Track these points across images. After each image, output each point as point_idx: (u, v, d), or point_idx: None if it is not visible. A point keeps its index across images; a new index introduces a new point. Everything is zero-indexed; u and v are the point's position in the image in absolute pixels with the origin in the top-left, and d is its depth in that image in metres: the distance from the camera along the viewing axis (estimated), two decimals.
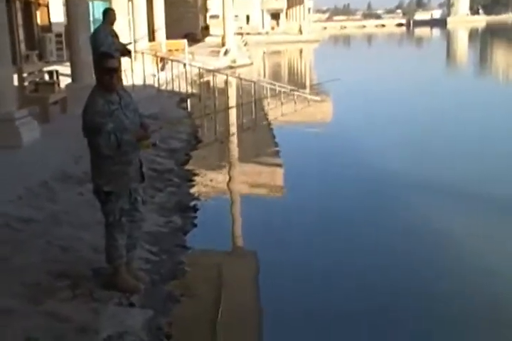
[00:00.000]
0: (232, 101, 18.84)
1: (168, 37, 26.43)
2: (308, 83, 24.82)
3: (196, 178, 9.66)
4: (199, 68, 20.48)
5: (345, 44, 61.80)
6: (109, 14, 11.90)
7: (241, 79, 18.67)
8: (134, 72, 17.43)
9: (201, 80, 21.32)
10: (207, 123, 14.78)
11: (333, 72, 23.87)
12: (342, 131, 13.83)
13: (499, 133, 13.06)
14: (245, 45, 43.06)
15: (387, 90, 21.07)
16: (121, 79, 11.26)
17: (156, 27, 25.57)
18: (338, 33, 76.49)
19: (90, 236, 6.06)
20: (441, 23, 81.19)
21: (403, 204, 8.44)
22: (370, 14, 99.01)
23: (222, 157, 12.07)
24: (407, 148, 12.00)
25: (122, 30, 20.38)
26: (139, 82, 17.30)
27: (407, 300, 5.58)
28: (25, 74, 12.22)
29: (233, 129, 14.43)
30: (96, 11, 22.55)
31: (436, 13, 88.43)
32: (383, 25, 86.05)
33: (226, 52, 31.83)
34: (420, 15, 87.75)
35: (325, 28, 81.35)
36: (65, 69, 16.70)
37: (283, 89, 17.78)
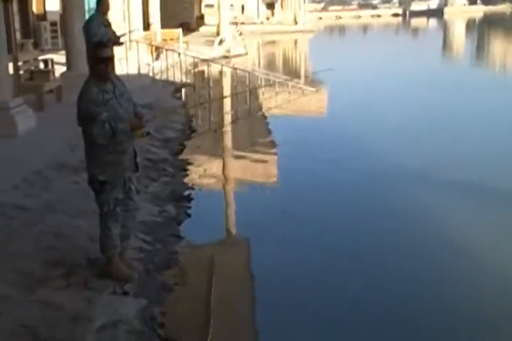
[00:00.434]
0: (227, 91, 18.80)
1: (163, 26, 26.32)
2: (303, 73, 24.78)
3: (190, 168, 9.69)
4: (194, 58, 20.43)
5: (341, 34, 61.66)
6: (102, 3, 11.84)
7: (236, 69, 18.63)
8: (128, 61, 17.38)
9: (196, 70, 21.29)
10: (201, 112, 14.78)
11: (328, 62, 23.84)
12: (336, 121, 13.87)
13: (487, 122, 13.13)
14: (240, 34, 42.89)
15: (382, 80, 21.06)
16: (114, 69, 11.24)
17: (150, 18, 25.43)
18: (334, 23, 76.21)
19: (85, 224, 6.09)
20: (438, 13, 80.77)
21: (398, 192, 8.52)
22: (365, 4, 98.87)
23: (216, 147, 12.08)
24: (400, 137, 12.04)
25: (117, 19, 20.34)
26: (133, 71, 17.26)
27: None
28: (20, 63, 12.20)
29: (227, 119, 14.43)
30: None
31: (433, 4, 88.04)
32: (379, 16, 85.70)
33: (221, 42, 31.70)
34: (417, 6, 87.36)
35: (320, 18, 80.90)
36: (60, 57, 16.65)
37: (278, 80, 17.76)
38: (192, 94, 17.41)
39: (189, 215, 7.47)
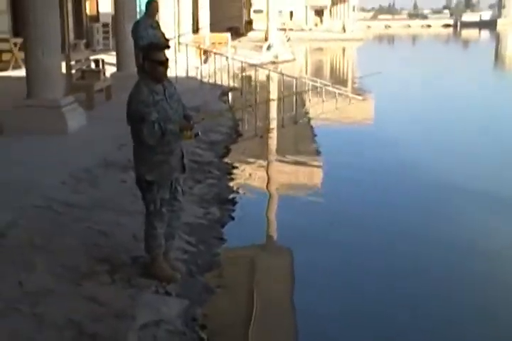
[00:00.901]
0: (274, 96, 18.84)
1: (211, 30, 26.53)
2: (350, 81, 24.65)
3: (235, 172, 9.71)
4: (241, 62, 20.50)
5: (390, 44, 61.27)
6: (151, 6, 11.99)
7: (283, 74, 18.61)
8: (177, 64, 17.53)
9: (243, 74, 21.35)
10: (247, 117, 14.81)
11: (376, 71, 23.69)
12: (384, 132, 13.70)
13: None
14: (288, 40, 42.98)
15: (432, 92, 20.83)
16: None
17: (200, 22, 25.67)
18: (383, 32, 75.76)
19: (131, 223, 6.15)
20: (490, 24, 79.35)
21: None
22: (415, 14, 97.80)
23: (261, 152, 12.09)
24: (450, 150, 11.84)
25: (168, 22, 20.57)
26: (182, 73, 17.40)
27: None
28: (72, 62, 12.40)
29: (273, 124, 14.43)
30: (143, 1, 22.75)
31: (486, 15, 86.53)
32: (429, 26, 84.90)
33: (269, 47, 31.81)
34: (468, 17, 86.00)
35: (369, 26, 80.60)
36: (110, 58, 16.91)
37: (325, 87, 17.71)
38: (239, 98, 17.46)
39: (233, 218, 7.48)
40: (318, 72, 29.30)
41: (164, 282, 5.22)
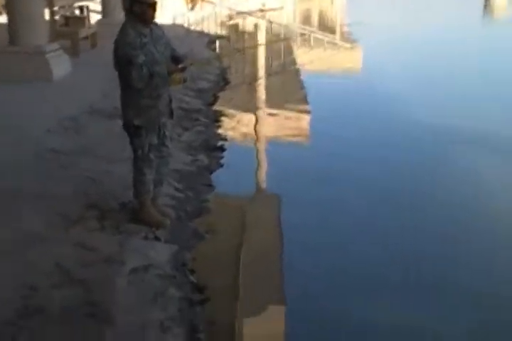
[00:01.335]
0: (262, 44, 18.61)
1: None
2: (338, 30, 24.35)
3: (223, 119, 9.65)
4: (229, 10, 20.18)
5: None
6: None
7: (271, 22, 18.38)
8: (164, 10, 17.22)
9: (231, 22, 21.04)
10: (235, 65, 14.65)
11: (365, 19, 23.40)
12: (371, 80, 13.59)
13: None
14: None
15: (423, 38, 20.54)
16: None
17: None
18: None
19: (119, 170, 6.10)
20: None
21: (432, 155, 8.30)
22: None
23: (249, 99, 11.99)
24: (437, 97, 11.80)
25: None
26: (168, 20, 17.11)
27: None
28: (55, 8, 12.13)
29: (261, 72, 14.28)
30: None
31: None
32: None
33: None
34: None
35: None
36: (95, 6, 16.55)
37: (313, 34, 17.50)
38: (226, 46, 17.23)
39: (221, 165, 7.47)
40: (306, 19, 28.89)
41: (153, 227, 5.22)
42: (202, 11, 19.42)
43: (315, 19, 31.00)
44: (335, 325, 4.36)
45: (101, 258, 4.59)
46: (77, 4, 14.45)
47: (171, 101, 5.21)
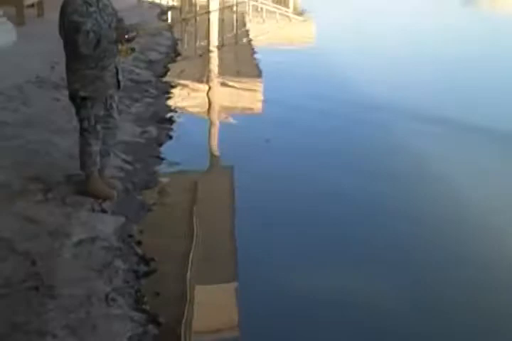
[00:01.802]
0: (214, 16, 18.38)
1: None
2: (291, 2, 24.20)
3: (174, 91, 9.54)
4: None
5: None
6: None
7: None
8: None
9: None
10: (187, 37, 14.46)
11: None
12: (323, 51, 13.60)
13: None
14: None
15: (379, 10, 20.60)
16: None
17: None
18: None
19: (65, 142, 6.01)
20: None
21: (382, 122, 8.42)
22: None
23: (200, 71, 11.87)
24: (385, 69, 11.88)
25: None
26: None
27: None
28: None
29: (213, 44, 14.14)
30: None
31: None
32: None
33: None
34: None
35: None
36: None
37: (265, 7, 17.38)
38: (178, 18, 16.98)
39: (171, 137, 7.39)
40: None
41: (100, 199, 5.16)
42: None
43: None
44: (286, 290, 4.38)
45: (46, 231, 4.53)
46: None
47: (117, 72, 5.11)
